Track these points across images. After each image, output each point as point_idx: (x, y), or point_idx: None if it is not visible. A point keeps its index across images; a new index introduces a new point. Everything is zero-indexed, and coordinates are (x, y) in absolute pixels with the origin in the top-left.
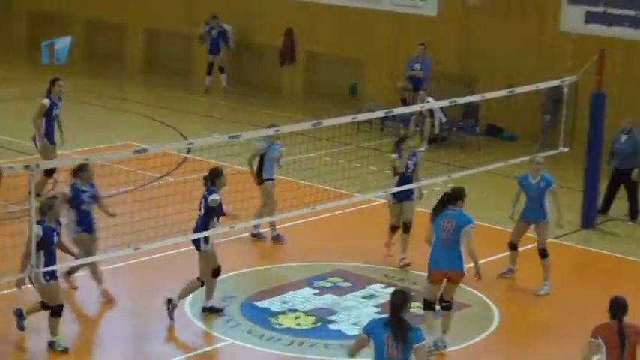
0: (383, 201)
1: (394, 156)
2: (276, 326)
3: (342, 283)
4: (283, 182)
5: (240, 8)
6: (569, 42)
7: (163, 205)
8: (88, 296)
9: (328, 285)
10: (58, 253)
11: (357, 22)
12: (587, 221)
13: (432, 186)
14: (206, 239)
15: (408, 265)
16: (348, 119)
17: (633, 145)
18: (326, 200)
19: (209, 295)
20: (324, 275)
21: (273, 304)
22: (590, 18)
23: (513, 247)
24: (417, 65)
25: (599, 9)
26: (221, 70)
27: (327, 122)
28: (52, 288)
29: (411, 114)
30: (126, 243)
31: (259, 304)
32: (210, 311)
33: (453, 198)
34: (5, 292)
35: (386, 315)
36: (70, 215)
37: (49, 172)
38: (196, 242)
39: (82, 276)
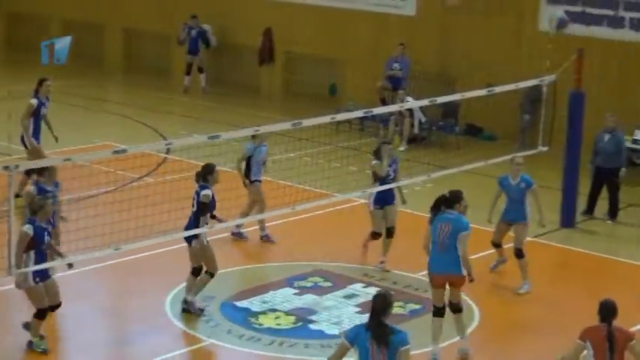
0: (363, 201)
1: (375, 162)
2: (257, 326)
3: (323, 282)
4: (263, 182)
5: (219, 8)
6: (547, 41)
7: (143, 206)
8: (67, 296)
9: (308, 285)
10: None
11: (336, 22)
12: (567, 220)
13: (412, 186)
14: (196, 235)
15: (386, 271)
16: (327, 119)
17: (616, 144)
18: (306, 200)
19: (189, 289)
20: (304, 275)
21: (253, 304)
22: (569, 17)
23: (497, 245)
24: (396, 65)
25: (578, 9)
26: (200, 70)
27: (307, 122)
28: (39, 290)
29: (391, 114)
30: (106, 244)
31: (239, 304)
32: (188, 310)
33: (450, 201)
34: None
35: (367, 320)
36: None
37: (30, 172)
38: (188, 238)
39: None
